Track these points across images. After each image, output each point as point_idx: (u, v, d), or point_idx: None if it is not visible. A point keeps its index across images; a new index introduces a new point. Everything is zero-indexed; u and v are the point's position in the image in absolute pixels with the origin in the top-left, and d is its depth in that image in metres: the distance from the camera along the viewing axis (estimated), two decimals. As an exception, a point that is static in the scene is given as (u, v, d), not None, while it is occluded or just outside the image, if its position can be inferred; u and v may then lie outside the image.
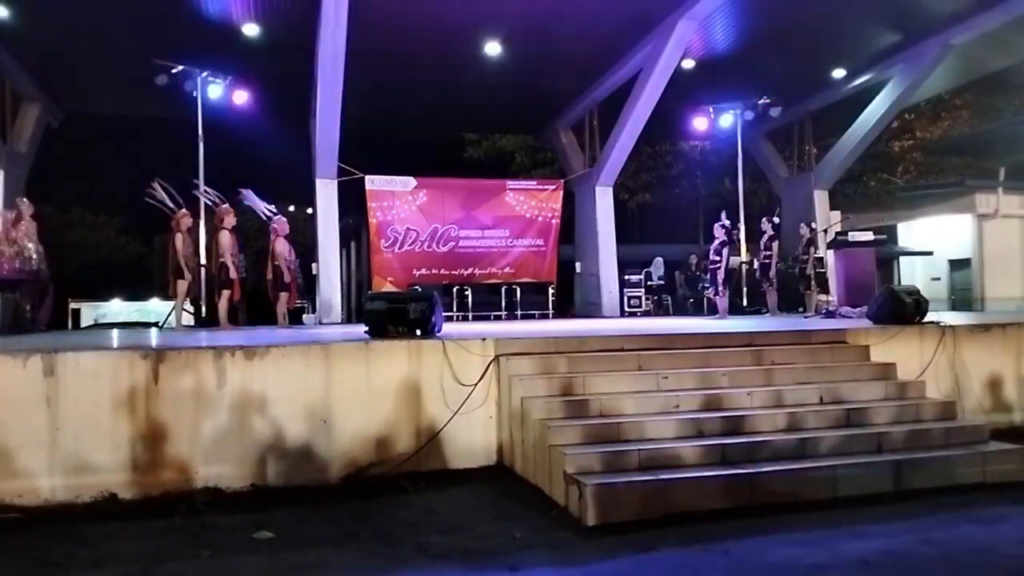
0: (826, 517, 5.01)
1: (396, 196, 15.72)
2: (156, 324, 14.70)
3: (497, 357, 6.47)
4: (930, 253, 23.40)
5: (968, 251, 22.85)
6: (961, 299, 22.22)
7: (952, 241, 23.19)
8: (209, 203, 11.74)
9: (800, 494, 5.30)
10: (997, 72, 17.11)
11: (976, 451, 5.91)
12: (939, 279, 22.93)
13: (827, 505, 5.21)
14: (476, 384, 6.36)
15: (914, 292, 8.45)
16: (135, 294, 27.73)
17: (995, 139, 20.46)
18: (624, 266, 16.43)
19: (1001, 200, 22.44)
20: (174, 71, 12.36)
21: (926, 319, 8.24)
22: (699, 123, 15.87)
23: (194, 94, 12.41)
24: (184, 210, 11.02)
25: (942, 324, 7.93)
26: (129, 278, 27.97)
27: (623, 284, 16.31)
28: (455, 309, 14.96)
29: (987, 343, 7.85)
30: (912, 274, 22.89)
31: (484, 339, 6.59)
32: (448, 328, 7.61)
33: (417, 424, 6.27)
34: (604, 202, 15.95)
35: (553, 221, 16.60)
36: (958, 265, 23.22)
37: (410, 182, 15.85)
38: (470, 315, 15.28)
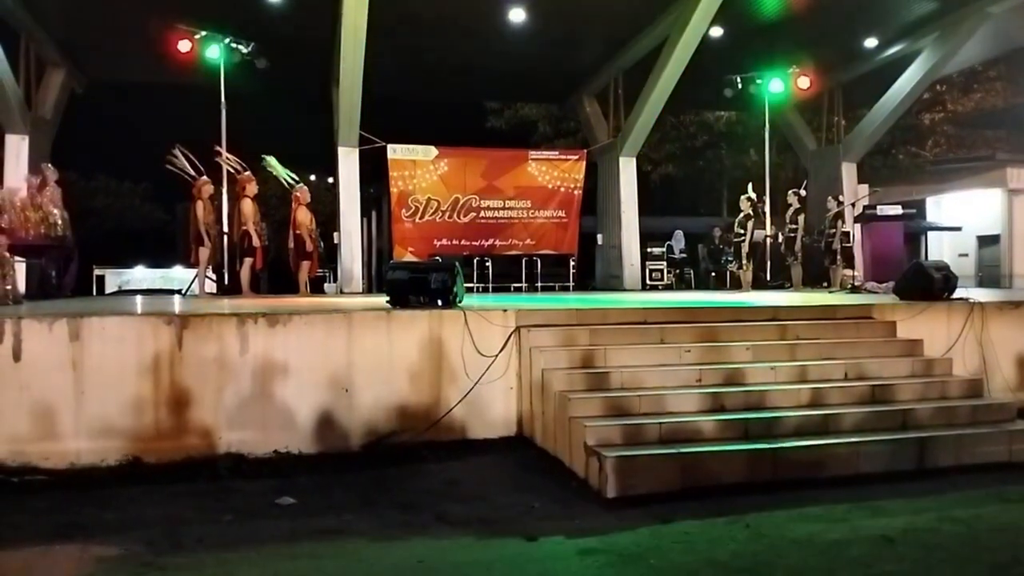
0: (849, 493, 4.98)
1: (418, 165, 15.64)
2: (179, 291, 14.85)
3: (518, 328, 6.44)
4: (959, 229, 23.02)
5: (997, 227, 22.44)
6: (989, 276, 21.87)
7: (981, 216, 22.78)
8: (231, 171, 11.75)
9: (823, 470, 5.27)
10: (1034, 43, 16.62)
11: (1002, 430, 5.84)
12: (967, 255, 22.57)
13: (850, 481, 5.17)
14: (497, 355, 6.35)
15: (943, 267, 8.30)
16: (158, 261, 28.01)
17: (1029, 112, 19.99)
18: (646, 239, 16.29)
19: (1033, 175, 21.97)
20: (197, 37, 12.31)
21: (954, 295, 8.10)
22: (726, 93, 15.59)
23: (217, 61, 12.37)
24: (205, 177, 11.05)
25: (971, 301, 7.79)
26: (153, 245, 28.25)
27: (645, 257, 16.17)
28: (475, 280, 14.93)
29: (1016, 321, 7.71)
30: (940, 250, 22.56)
31: (505, 310, 6.56)
32: (468, 299, 7.59)
33: (438, 394, 6.28)
34: (627, 173, 15.75)
35: (575, 192, 16.45)
36: (987, 241, 22.83)
37: (432, 151, 15.75)
38: (490, 286, 15.25)
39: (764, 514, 4.63)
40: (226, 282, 11.89)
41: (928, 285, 8.04)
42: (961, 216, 23.14)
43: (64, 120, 14.93)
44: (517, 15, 13.12)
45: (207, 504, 4.94)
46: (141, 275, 27.91)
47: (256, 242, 11.07)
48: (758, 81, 15.16)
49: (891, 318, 7.32)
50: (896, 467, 5.37)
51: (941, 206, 23.57)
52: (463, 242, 15.79)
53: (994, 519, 4.54)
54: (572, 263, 16.17)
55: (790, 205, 13.96)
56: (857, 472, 5.28)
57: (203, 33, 12.33)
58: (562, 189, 16.37)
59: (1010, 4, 13.50)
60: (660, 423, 5.44)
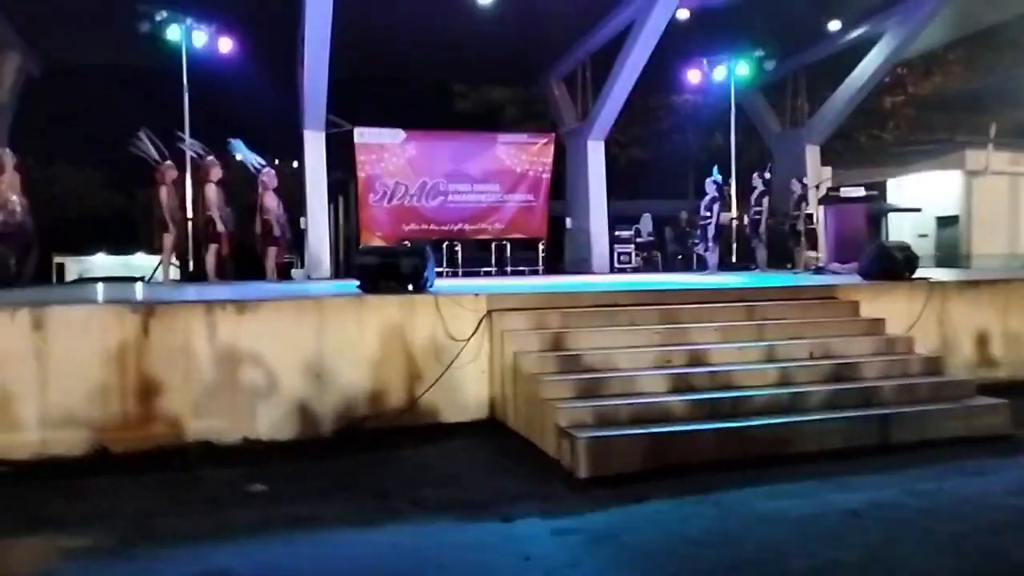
0: (815, 469, 5.08)
1: (385, 149, 15.53)
2: (142, 278, 14.60)
3: (490, 312, 6.45)
4: (919, 210, 23.46)
5: (956, 208, 22.95)
6: (948, 256, 22.36)
7: (941, 198, 23.26)
8: (194, 156, 11.56)
9: (790, 447, 5.37)
10: (991, 27, 16.95)
11: (962, 405, 5.98)
12: (926, 236, 23.04)
13: (816, 458, 5.27)
14: (469, 339, 6.36)
15: (905, 248, 8.47)
16: (120, 248, 27.49)
17: (986, 95, 20.37)
18: (614, 222, 16.37)
19: (991, 157, 22.49)
20: (158, 18, 12.03)
21: (915, 275, 8.27)
22: (692, 76, 15.68)
23: (178, 42, 12.11)
24: (169, 162, 10.87)
25: (931, 280, 7.97)
26: (113, 232, 27.70)
27: (613, 240, 16.26)
28: (445, 264, 14.91)
29: (975, 300, 7.90)
30: (900, 230, 22.99)
31: (477, 294, 6.57)
32: (439, 283, 7.58)
33: (410, 378, 6.27)
34: (596, 156, 15.81)
35: (544, 175, 16.46)
36: (945, 222, 23.33)
37: (399, 135, 15.65)
38: (460, 271, 15.25)
39: (733, 491, 4.71)
40: (191, 268, 11.74)
41: (890, 265, 8.20)
42: (921, 197, 23.59)
43: (21, 105, 14.56)
44: (485, -3, 13.05)
45: (177, 493, 4.89)
46: (102, 262, 27.40)
47: (221, 228, 10.95)
48: (724, 64, 15.27)
49: (854, 298, 7.44)
50: (861, 443, 5.48)
51: (902, 188, 23.99)
52: (432, 226, 15.75)
53: (955, 492, 4.66)
54: (541, 247, 16.21)
55: (755, 188, 14.11)
56: (823, 449, 5.38)
57: (164, 14, 12.06)
58: (531, 173, 16.37)
59: (969, -13, 13.75)
60: (631, 404, 5.50)
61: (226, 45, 12.92)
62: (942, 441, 5.59)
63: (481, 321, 6.43)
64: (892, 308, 7.41)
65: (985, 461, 5.27)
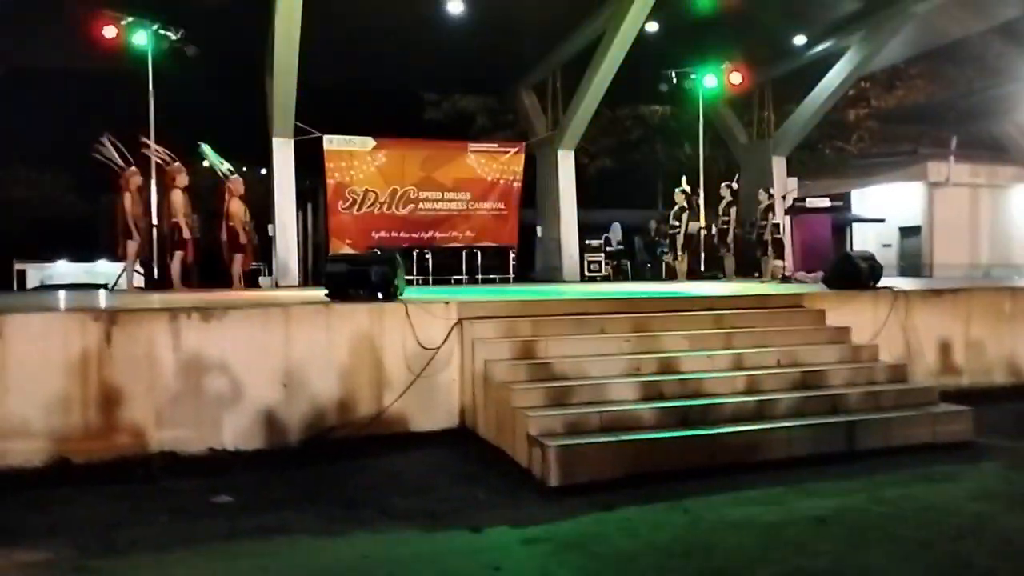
0: (783, 476, 5.13)
1: (355, 156, 15.42)
2: (105, 286, 14.33)
3: (460, 320, 6.43)
4: (882, 220, 23.90)
5: (919, 219, 23.41)
6: (910, 265, 22.79)
7: (903, 209, 23.72)
8: (160, 162, 11.39)
9: (758, 454, 5.41)
10: (952, 43, 17.34)
11: (926, 412, 6.09)
12: (890, 246, 23.48)
13: (784, 465, 5.32)
14: (439, 347, 6.33)
15: (869, 258, 8.60)
16: (82, 255, 26.94)
17: (947, 109, 20.83)
18: (584, 230, 16.44)
19: (952, 169, 22.99)
20: (123, 23, 11.85)
21: (879, 285, 8.40)
22: (661, 88, 15.82)
23: (144, 48, 11.93)
24: (133, 168, 10.70)
25: (895, 290, 8.10)
26: (76, 238, 27.16)
27: (583, 248, 16.33)
28: (415, 273, 14.83)
29: (938, 309, 8.04)
30: (864, 240, 23.39)
31: (447, 302, 6.54)
32: (409, 292, 7.54)
33: (379, 387, 6.21)
34: (566, 166, 15.87)
35: (515, 184, 16.46)
36: (908, 232, 23.78)
37: (369, 142, 15.55)
38: (430, 279, 15.18)
39: (702, 498, 4.74)
40: (156, 276, 11.55)
41: (855, 275, 8.32)
42: (884, 208, 24.04)
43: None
44: (456, 6, 13.07)
45: (141, 504, 4.79)
46: (64, 269, 26.79)
47: (187, 234, 10.79)
48: (692, 76, 15.43)
49: (820, 306, 7.54)
50: (827, 450, 5.55)
51: (865, 198, 24.43)
52: (402, 234, 15.65)
53: (921, 498, 4.73)
54: (512, 255, 16.20)
55: (723, 198, 14.26)
56: (791, 455, 5.43)
57: (129, 19, 11.88)
58: (501, 181, 16.36)
59: (933, 4, 14.04)
60: (601, 412, 5.50)
61: (193, 52, 12.76)
62: (907, 448, 5.68)
63: (452, 329, 6.40)
64: (857, 317, 7.52)
65: (949, 467, 5.35)
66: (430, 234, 15.87)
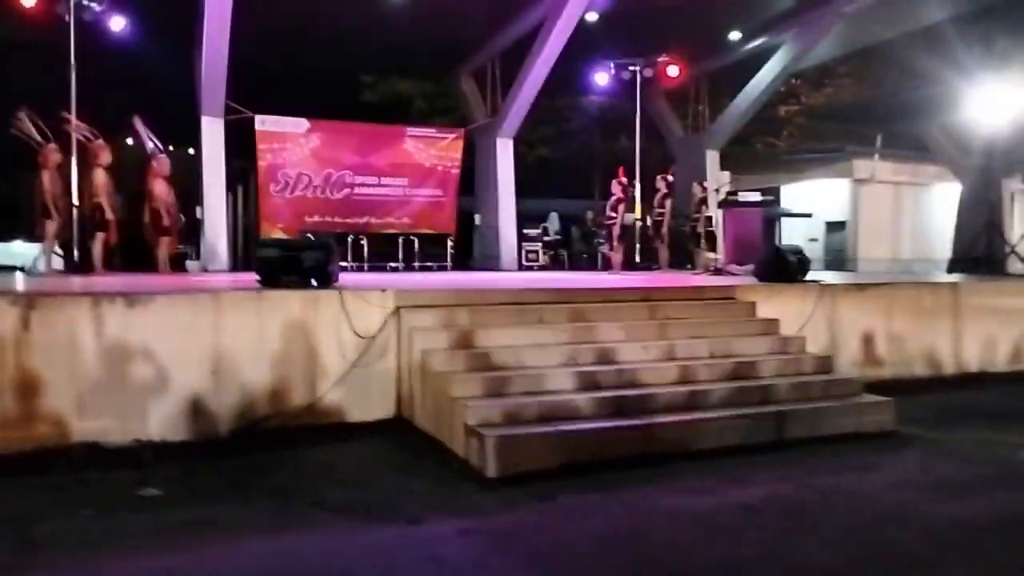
0: (715, 465, 5.23)
1: (288, 138, 15.09)
2: (22, 268, 13.68)
3: (397, 309, 6.34)
4: (809, 215, 24.63)
5: (844, 214, 24.23)
6: (836, 259, 23.57)
7: (830, 204, 24.50)
8: (82, 138, 10.89)
9: (691, 443, 5.50)
10: (879, 43, 17.90)
11: (851, 403, 6.28)
12: (816, 240, 24.22)
13: (716, 454, 5.42)
14: (375, 336, 6.23)
15: (798, 251, 8.82)
16: (-4, 234, 25.67)
17: (874, 108, 21.54)
18: (522, 219, 16.45)
19: (877, 167, 23.87)
20: (44, -10, 11.26)
21: (807, 278, 8.64)
22: (599, 78, 15.89)
23: (66, 18, 11.35)
24: (53, 144, 10.21)
25: (821, 283, 8.34)
26: (-10, 217, 25.85)
27: (521, 237, 16.34)
28: (350, 259, 14.62)
29: (861, 302, 8.31)
30: (792, 234, 24.08)
31: (384, 290, 6.44)
32: (344, 278, 7.40)
33: (313, 376, 6.09)
34: (505, 154, 15.86)
35: (453, 171, 16.36)
36: (834, 227, 24.60)
37: (303, 124, 15.23)
38: (366, 265, 14.98)
39: (638, 488, 4.80)
40: (76, 258, 11.06)
41: (784, 268, 8.53)
42: (812, 203, 24.77)
43: None
44: (395, -13, 12.85)
45: (61, 497, 4.59)
46: (-24, 249, 25.48)
47: (110, 215, 10.38)
48: (630, 68, 15.53)
49: (751, 299, 7.70)
50: (758, 439, 5.67)
51: (793, 193, 25.12)
52: (336, 219, 15.40)
53: (847, 487, 4.89)
54: (450, 243, 16.12)
55: (658, 190, 14.45)
56: (722, 445, 5.53)
57: (51, -15, 11.29)
58: (439, 168, 16.24)
59: (863, 4, 14.47)
60: (539, 402, 5.51)
61: (118, 23, 12.24)
62: (833, 437, 5.86)
63: (388, 318, 6.31)
64: (786, 309, 7.70)
65: (873, 457, 5.54)
66: (365, 220, 15.65)
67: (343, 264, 10.19)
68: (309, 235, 13.44)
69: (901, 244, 24.23)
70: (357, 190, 15.62)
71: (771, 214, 21.86)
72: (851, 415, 6.12)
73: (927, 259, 22.52)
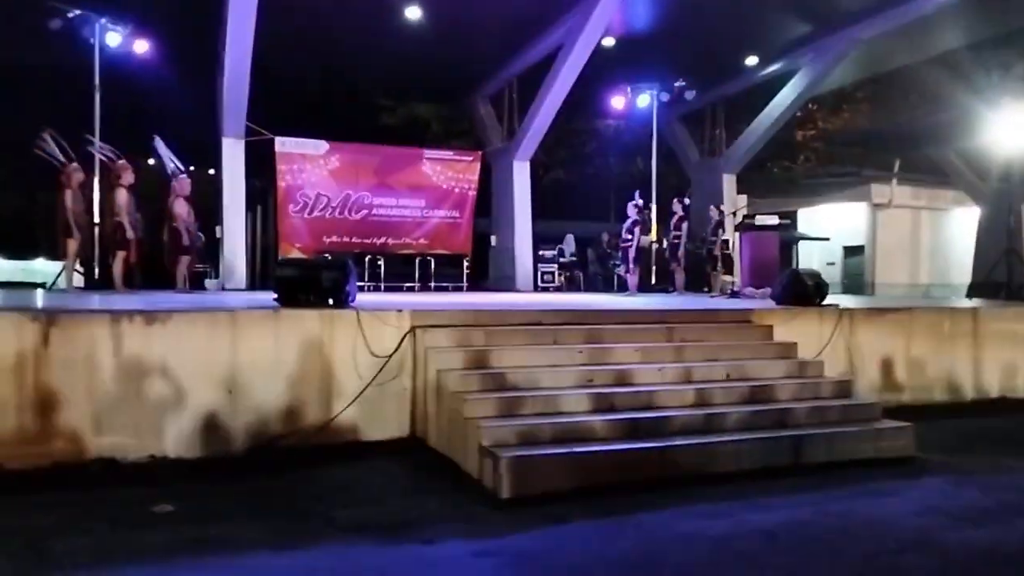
0: (732, 489, 5.17)
1: (307, 159, 15.24)
2: (43, 285, 13.85)
3: (413, 329, 6.36)
4: (827, 239, 24.50)
5: (862, 238, 24.08)
6: (853, 284, 23.41)
7: (847, 228, 24.37)
8: (104, 158, 11.05)
9: (707, 467, 5.45)
10: (896, 69, 17.92)
11: (870, 428, 6.21)
12: (834, 264, 24.09)
13: (732, 478, 5.36)
14: (391, 356, 6.24)
15: (815, 275, 8.78)
16: (19, 252, 26.02)
17: (892, 133, 21.49)
18: (538, 241, 16.50)
19: (895, 191, 23.76)
20: (70, 15, 11.47)
21: (825, 302, 8.59)
22: (616, 102, 15.98)
23: (91, 42, 11.57)
24: (75, 164, 10.37)
25: (840, 307, 8.28)
26: (13, 235, 26.21)
27: (537, 259, 16.38)
28: (367, 279, 14.69)
29: (880, 326, 8.24)
30: (809, 258, 23.96)
31: (400, 310, 6.46)
32: (360, 298, 7.43)
33: (328, 395, 6.10)
34: (521, 176, 15.93)
35: (469, 193, 16.45)
36: (852, 251, 24.44)
37: (322, 146, 15.38)
38: (382, 285, 15.05)
39: (653, 511, 4.75)
40: (96, 276, 11.18)
41: (802, 291, 8.49)
42: (829, 227, 24.66)
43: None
44: (413, 13, 13.01)
45: (77, 513, 4.60)
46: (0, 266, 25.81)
47: (130, 234, 10.48)
48: (647, 92, 15.62)
49: (768, 322, 7.66)
50: (774, 463, 5.61)
51: (811, 218, 25.03)
52: (354, 239, 15.50)
53: (865, 513, 4.81)
54: (466, 263, 16.17)
55: (674, 213, 14.43)
56: (739, 468, 5.48)
57: (77, 12, 11.52)
58: (456, 189, 16.34)
59: (878, 31, 14.50)
60: (554, 423, 5.48)
61: (142, 47, 12.46)
62: (851, 462, 5.78)
63: (404, 338, 6.32)
64: (803, 333, 7.66)
65: (892, 482, 5.46)
66: (383, 240, 15.75)
67: (360, 284, 10.23)
68: (327, 255, 13.52)
69: (919, 269, 24.04)
70: (375, 211, 15.74)
71: (788, 238, 21.80)
72: (870, 440, 6.05)
73: (945, 284, 22.32)
